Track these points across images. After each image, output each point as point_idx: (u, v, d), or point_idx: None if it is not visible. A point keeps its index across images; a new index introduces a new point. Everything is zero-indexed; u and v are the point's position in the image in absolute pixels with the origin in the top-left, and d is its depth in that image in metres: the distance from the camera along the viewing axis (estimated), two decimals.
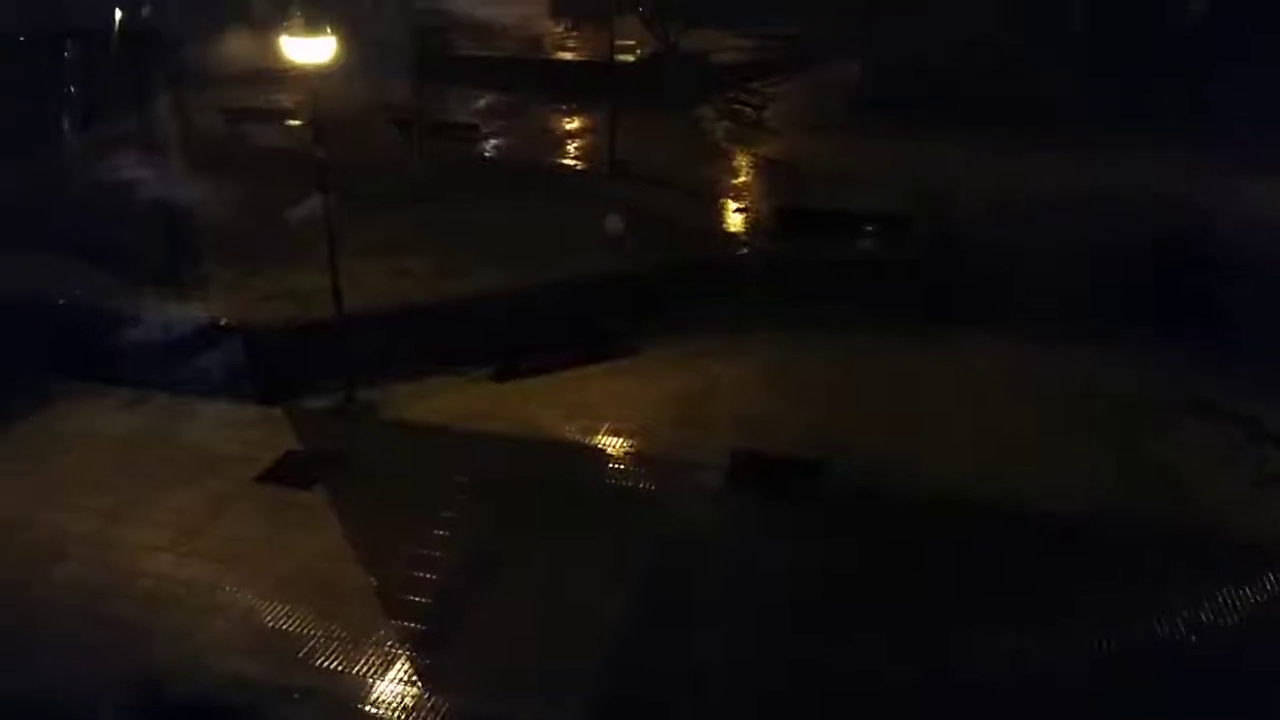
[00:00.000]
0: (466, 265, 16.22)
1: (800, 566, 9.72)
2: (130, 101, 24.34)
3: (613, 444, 11.99)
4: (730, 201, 20.90)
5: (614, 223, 16.46)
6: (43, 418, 12.46)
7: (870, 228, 18.11)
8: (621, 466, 11.63)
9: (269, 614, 9.16)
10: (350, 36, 13.46)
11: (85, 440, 12.02)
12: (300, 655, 8.69)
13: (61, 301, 14.69)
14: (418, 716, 8.12)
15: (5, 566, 9.78)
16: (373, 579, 9.57)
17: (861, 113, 27.47)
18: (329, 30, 11.77)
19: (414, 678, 8.48)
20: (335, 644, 8.82)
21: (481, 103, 29.52)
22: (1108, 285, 15.45)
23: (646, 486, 11.18)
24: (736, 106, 28.21)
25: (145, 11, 34.28)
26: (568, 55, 36.68)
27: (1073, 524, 10.20)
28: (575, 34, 36.94)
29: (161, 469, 11.37)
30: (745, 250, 18.42)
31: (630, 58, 31.73)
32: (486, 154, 24.82)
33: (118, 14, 30.55)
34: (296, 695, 8.26)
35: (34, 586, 9.51)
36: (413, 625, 9.01)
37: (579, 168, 23.61)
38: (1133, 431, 11.85)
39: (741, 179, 22.77)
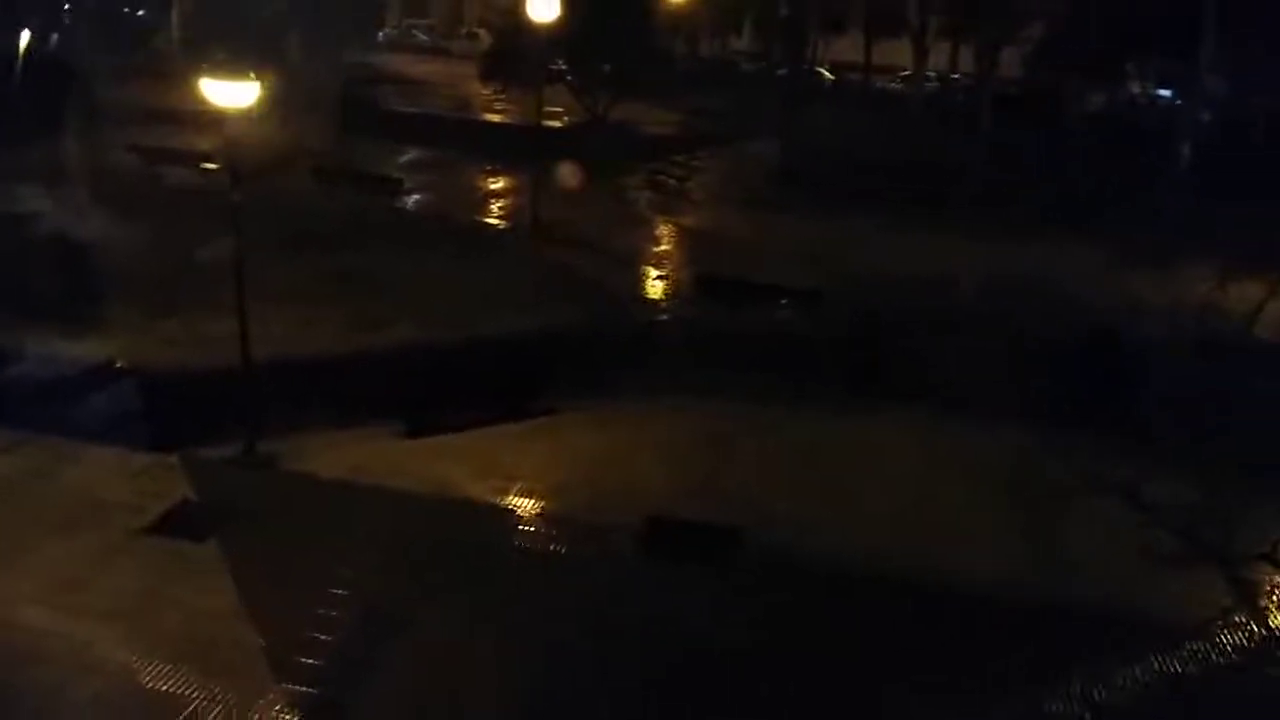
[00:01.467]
0: (381, 317, 15.96)
1: (712, 634, 9.58)
2: (33, 131, 23.50)
3: (524, 505, 11.77)
4: (651, 268, 21.13)
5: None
6: None
7: (784, 300, 18.49)
8: (532, 528, 11.40)
9: (148, 674, 8.59)
10: (277, 83, 13.31)
11: None
12: (179, 719, 8.15)
13: None
14: None
15: None
16: (264, 639, 9.08)
17: (780, 189, 28.27)
18: (252, 75, 11.58)
19: None
20: (219, 708, 8.30)
21: (406, 157, 29.43)
22: (1015, 366, 15.99)
23: (557, 549, 10.97)
24: (660, 177, 28.75)
25: (53, 40, 33.23)
26: (495, 117, 36.98)
27: (982, 599, 10.33)
28: (504, 97, 37.26)
29: (41, 515, 10.68)
30: (664, 316, 18.59)
31: (558, 124, 32.15)
32: (408, 208, 24.67)
33: (23, 39, 29.49)
34: None
35: None
36: (305, 689, 8.56)
37: (501, 227, 23.63)
38: (1040, 510, 12.14)
39: (663, 247, 23.09)
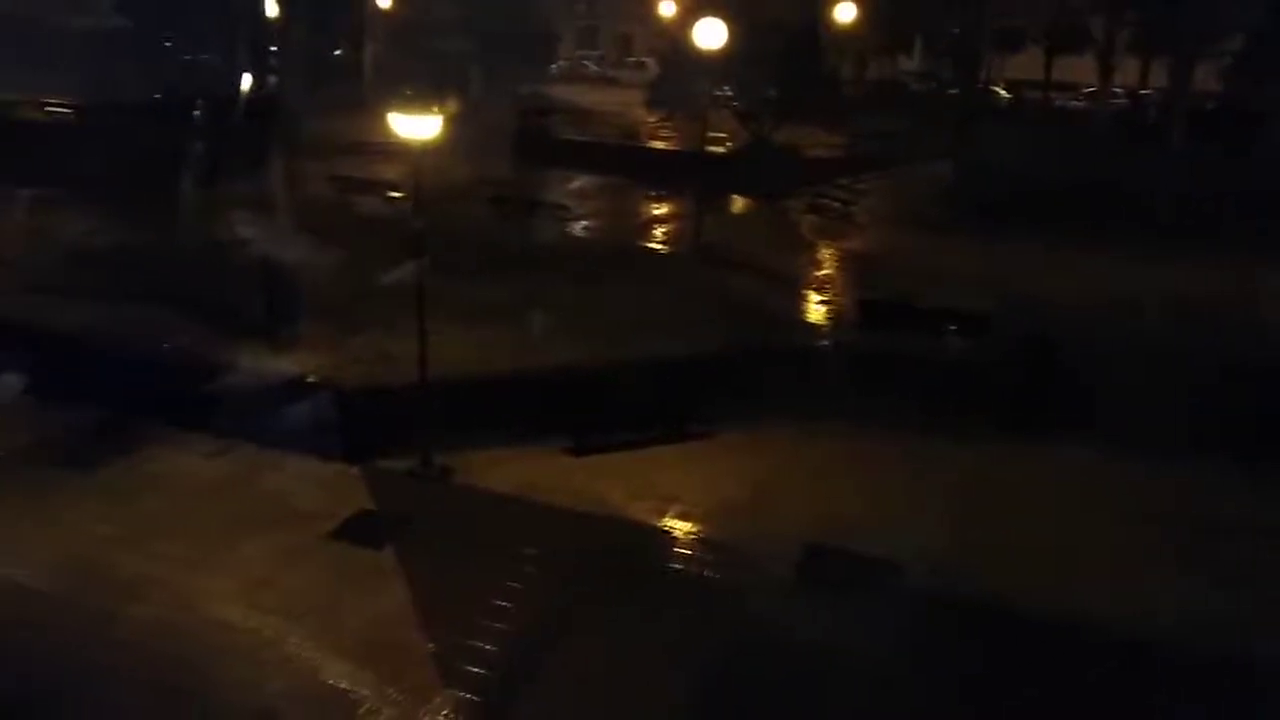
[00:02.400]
0: (549, 339, 16.51)
1: (865, 668, 9.42)
2: (249, 164, 25.76)
3: (682, 527, 11.89)
4: (813, 292, 20.94)
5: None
6: (132, 461, 12.87)
7: (953, 326, 17.90)
8: (689, 551, 11.50)
9: (330, 672, 9.21)
10: (458, 117, 14.08)
11: (169, 485, 12.40)
12: (358, 718, 8.69)
13: (161, 349, 15.36)
14: None
15: (88, 604, 10.07)
16: (434, 645, 9.57)
17: (951, 211, 27.44)
18: (436, 109, 12.31)
19: None
20: (392, 708, 8.80)
21: (576, 184, 30.35)
22: (1203, 400, 14.91)
23: (713, 574, 11.02)
24: (824, 200, 28.47)
25: (270, 82, 36.73)
26: (660, 144, 37.65)
27: (1160, 653, 9.69)
28: (669, 124, 37.93)
29: (241, 517, 11.65)
30: (826, 341, 18.38)
31: (721, 149, 32.41)
32: (577, 233, 25.43)
33: (246, 82, 32.76)
34: None
35: (112, 626, 9.76)
36: (470, 696, 8.96)
37: (665, 251, 24.00)
38: (1237, 559, 11.26)
39: (825, 271, 22.84)
